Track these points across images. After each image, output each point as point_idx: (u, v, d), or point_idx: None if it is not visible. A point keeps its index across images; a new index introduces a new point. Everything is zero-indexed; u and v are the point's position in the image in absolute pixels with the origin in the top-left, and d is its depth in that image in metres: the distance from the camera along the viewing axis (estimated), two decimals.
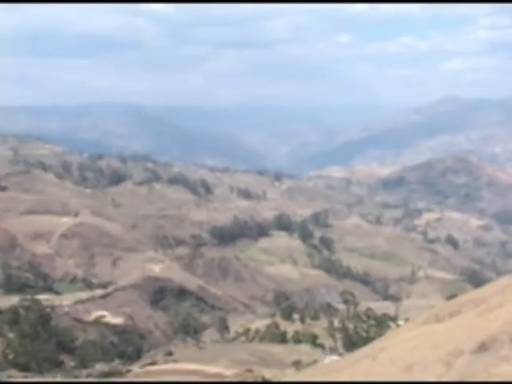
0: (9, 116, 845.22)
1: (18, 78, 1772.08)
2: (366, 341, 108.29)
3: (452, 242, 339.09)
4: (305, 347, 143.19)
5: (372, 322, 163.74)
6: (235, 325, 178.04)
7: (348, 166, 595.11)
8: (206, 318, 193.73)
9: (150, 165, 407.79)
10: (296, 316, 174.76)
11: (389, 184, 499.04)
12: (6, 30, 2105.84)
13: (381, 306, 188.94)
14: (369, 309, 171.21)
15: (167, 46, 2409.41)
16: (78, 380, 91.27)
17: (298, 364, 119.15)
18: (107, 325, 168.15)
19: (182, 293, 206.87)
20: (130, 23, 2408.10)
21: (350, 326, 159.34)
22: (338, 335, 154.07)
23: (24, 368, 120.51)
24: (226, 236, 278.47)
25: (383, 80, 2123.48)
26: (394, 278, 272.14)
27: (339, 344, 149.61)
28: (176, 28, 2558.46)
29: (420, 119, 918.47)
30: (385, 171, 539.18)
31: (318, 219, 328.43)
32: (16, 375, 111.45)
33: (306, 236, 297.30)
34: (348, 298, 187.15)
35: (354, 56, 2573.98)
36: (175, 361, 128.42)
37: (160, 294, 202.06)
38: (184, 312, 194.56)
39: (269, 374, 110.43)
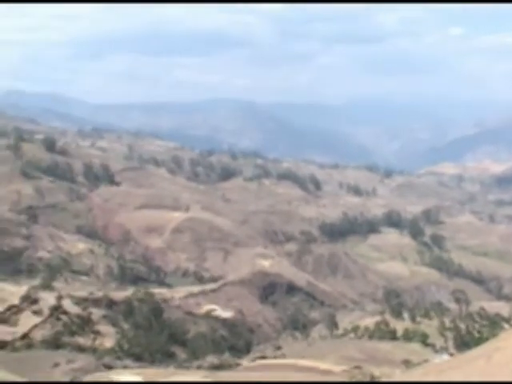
0: (123, 113, 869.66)
1: (131, 76, 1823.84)
2: (479, 341, 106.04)
3: None
4: (415, 346, 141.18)
5: (485, 322, 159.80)
6: (344, 321, 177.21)
7: (460, 163, 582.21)
8: (314, 314, 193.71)
9: (259, 161, 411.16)
10: (406, 314, 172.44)
11: (503, 181, 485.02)
12: (120, 29, 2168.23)
13: (494, 306, 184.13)
14: (482, 308, 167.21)
15: (277, 43, 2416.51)
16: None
17: (407, 363, 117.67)
18: (217, 318, 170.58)
19: (291, 288, 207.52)
20: (240, 21, 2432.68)
21: (462, 325, 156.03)
22: (449, 335, 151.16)
23: (138, 358, 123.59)
24: (336, 232, 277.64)
25: (496, 74, 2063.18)
26: (508, 278, 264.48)
27: (450, 344, 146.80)
28: (286, 24, 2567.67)
29: None
30: (499, 168, 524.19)
31: (429, 216, 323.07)
32: (130, 365, 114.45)
33: (416, 233, 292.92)
34: (459, 297, 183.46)
35: (465, 49, 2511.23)
36: (284, 355, 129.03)
37: (269, 289, 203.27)
38: (293, 307, 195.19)
39: (378, 372, 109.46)
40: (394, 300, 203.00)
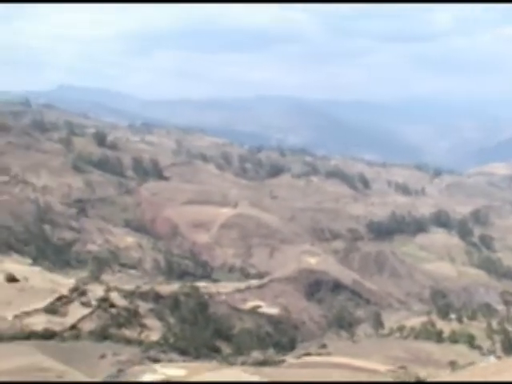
0: (172, 109, 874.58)
1: (181, 72, 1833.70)
2: None
3: None
4: (461, 348, 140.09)
5: None
6: (390, 321, 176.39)
7: (510, 163, 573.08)
8: (360, 313, 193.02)
9: (308, 158, 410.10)
10: (453, 315, 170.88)
11: None
12: (170, 25, 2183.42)
13: None
14: None
15: (327, 40, 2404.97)
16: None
17: (454, 364, 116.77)
18: (263, 314, 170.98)
19: (337, 286, 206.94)
20: (290, 17, 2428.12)
21: (510, 328, 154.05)
22: (497, 337, 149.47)
23: (183, 352, 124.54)
24: (383, 231, 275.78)
25: None
26: None
27: (498, 346, 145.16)
28: (337, 21, 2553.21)
29: None
30: None
31: (478, 217, 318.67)
32: (175, 359, 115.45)
33: (465, 233, 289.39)
34: (508, 299, 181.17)
35: None
36: (329, 353, 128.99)
37: (315, 286, 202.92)
38: (339, 305, 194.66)
39: (423, 373, 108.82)
40: (441, 301, 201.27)
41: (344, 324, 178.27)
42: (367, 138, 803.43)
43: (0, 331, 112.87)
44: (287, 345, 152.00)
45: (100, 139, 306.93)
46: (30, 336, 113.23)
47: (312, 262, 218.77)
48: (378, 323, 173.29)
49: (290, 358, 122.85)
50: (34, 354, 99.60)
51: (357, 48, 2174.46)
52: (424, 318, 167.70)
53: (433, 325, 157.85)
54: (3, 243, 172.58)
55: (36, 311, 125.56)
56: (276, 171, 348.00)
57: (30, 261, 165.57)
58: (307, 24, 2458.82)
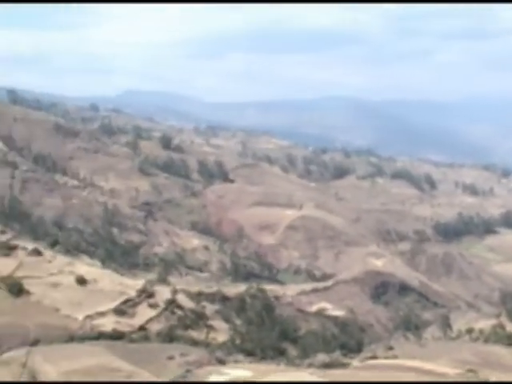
0: (238, 111, 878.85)
1: (247, 75, 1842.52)
2: None
3: None
4: None
5: None
6: (458, 323, 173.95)
7: None
8: (427, 315, 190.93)
9: (373, 159, 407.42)
10: None
11: None
12: (236, 28, 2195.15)
13: None
14: None
15: (391, 39, 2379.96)
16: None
17: None
18: (329, 316, 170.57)
19: (403, 288, 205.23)
20: (354, 18, 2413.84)
21: None
22: None
23: (249, 354, 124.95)
24: (450, 232, 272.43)
25: None
26: None
27: None
28: (400, 21, 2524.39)
29: None
30: None
31: None
32: (242, 360, 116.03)
33: None
34: None
35: None
36: (395, 356, 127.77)
37: (381, 288, 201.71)
38: (405, 308, 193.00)
39: (493, 377, 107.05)
40: (511, 303, 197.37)
41: (411, 326, 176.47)
42: (434, 138, 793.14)
43: (71, 331, 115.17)
44: (354, 347, 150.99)
45: (166, 142, 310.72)
46: (100, 337, 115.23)
47: (378, 263, 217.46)
48: (446, 326, 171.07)
49: (356, 361, 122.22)
50: (103, 355, 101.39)
51: (420, 47, 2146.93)
52: (493, 321, 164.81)
53: (502, 327, 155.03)
54: (74, 246, 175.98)
55: (105, 312, 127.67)
56: (341, 173, 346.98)
57: (99, 263, 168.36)
58: (371, 24, 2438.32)
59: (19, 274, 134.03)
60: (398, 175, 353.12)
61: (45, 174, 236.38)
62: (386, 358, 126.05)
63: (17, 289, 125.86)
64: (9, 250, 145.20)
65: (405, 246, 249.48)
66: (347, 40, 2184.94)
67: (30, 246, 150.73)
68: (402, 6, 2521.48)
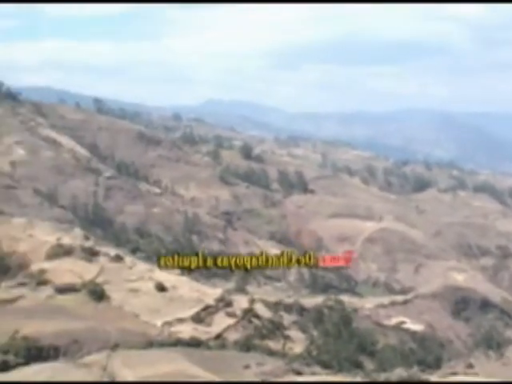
0: (318, 122, 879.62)
1: (326, 86, 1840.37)
2: None
3: None
4: None
5: None
6: None
7: None
8: (510, 333, 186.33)
9: (455, 172, 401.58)
10: None
11: None
12: (315, 40, 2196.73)
13: None
14: None
15: (476, 50, 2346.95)
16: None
17: None
18: (407, 331, 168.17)
19: (485, 304, 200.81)
20: (437, 28, 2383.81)
21: None
22: None
23: (326, 366, 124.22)
24: None
25: None
26: None
27: None
28: (486, 31, 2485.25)
29: None
30: None
31: None
32: (319, 372, 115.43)
33: None
34: None
35: None
36: (476, 374, 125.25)
37: (462, 304, 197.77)
38: (487, 324, 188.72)
39: None
40: None
41: (492, 344, 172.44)
42: None
43: (149, 337, 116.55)
44: (432, 363, 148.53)
45: (246, 152, 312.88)
46: (177, 343, 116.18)
47: (459, 278, 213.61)
48: None
49: (434, 377, 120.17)
50: (180, 361, 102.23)
51: (506, 58, 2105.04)
52: None
53: None
54: (154, 253, 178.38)
55: (183, 319, 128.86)
56: (422, 185, 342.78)
57: (178, 270, 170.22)
58: (456, 35, 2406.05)
59: (101, 279, 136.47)
60: (481, 188, 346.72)
61: (127, 182, 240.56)
62: (466, 374, 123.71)
63: (98, 294, 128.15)
64: (92, 255, 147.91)
65: (487, 262, 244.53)
66: (430, 50, 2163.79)
67: (112, 252, 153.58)
68: (487, 15, 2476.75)
